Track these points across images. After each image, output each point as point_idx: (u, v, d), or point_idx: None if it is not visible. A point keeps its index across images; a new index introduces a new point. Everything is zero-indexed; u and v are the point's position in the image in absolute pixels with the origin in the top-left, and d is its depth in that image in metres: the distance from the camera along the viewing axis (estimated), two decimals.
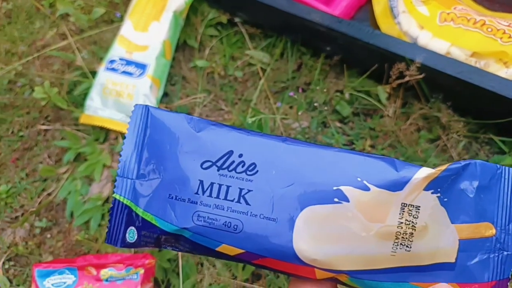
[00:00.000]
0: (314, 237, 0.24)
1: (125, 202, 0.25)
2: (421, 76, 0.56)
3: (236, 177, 0.25)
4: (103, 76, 0.66)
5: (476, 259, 0.24)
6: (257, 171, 0.25)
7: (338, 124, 0.64)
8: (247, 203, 0.24)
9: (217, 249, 0.25)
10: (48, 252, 0.61)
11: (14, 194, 0.65)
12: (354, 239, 0.24)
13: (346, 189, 0.24)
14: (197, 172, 0.25)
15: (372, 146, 0.61)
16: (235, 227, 0.24)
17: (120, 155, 0.25)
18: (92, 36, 0.74)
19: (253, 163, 0.25)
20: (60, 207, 0.64)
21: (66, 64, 0.73)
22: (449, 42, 0.57)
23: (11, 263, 0.61)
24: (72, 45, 0.73)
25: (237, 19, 0.71)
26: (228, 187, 0.25)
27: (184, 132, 0.25)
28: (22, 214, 0.64)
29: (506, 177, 0.24)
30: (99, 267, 0.53)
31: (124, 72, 0.65)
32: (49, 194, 0.64)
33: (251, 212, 0.24)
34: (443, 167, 0.24)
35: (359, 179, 0.24)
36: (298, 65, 0.68)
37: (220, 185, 0.25)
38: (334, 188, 0.24)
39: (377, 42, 0.58)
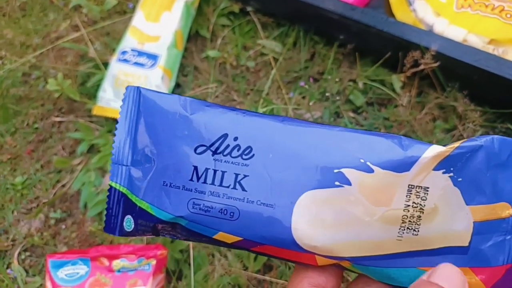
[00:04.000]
0: (314, 223, 0.23)
1: (121, 189, 0.24)
2: (436, 64, 0.54)
3: (232, 162, 0.23)
4: (115, 67, 0.66)
5: (491, 242, 0.22)
6: (253, 154, 0.23)
7: (352, 114, 0.62)
8: (243, 189, 0.23)
9: (214, 236, 0.24)
10: (63, 242, 0.62)
11: (29, 185, 0.66)
12: (357, 225, 0.23)
13: (348, 172, 0.23)
14: (191, 158, 0.24)
15: None
16: (232, 214, 0.23)
17: (114, 141, 0.24)
18: (105, 27, 0.74)
19: (249, 147, 0.23)
20: (74, 198, 0.64)
21: (79, 55, 0.73)
22: (466, 29, 0.55)
23: (27, 253, 0.62)
24: (84, 36, 0.73)
25: (249, 8, 0.70)
26: (223, 172, 0.23)
27: (177, 114, 0.24)
28: (37, 205, 0.65)
29: None
30: (111, 258, 0.54)
31: (136, 63, 0.65)
32: (63, 186, 0.65)
33: (247, 199, 0.23)
34: (456, 144, 0.22)
35: (362, 160, 0.23)
36: (311, 55, 0.67)
37: (215, 171, 0.24)
38: (335, 171, 0.23)
39: (392, 30, 0.57)
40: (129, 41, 0.67)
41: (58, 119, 0.69)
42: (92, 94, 0.68)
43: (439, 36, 0.55)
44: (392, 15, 0.63)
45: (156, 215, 0.24)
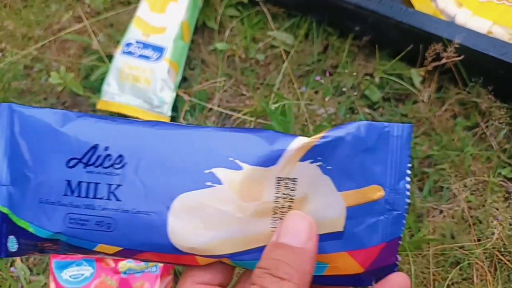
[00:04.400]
0: (189, 226, 0.23)
1: (2, 210, 0.24)
2: (459, 58, 0.52)
3: (104, 173, 0.24)
4: (120, 60, 0.64)
5: (364, 225, 0.23)
6: (126, 163, 0.24)
7: (367, 110, 0.60)
8: (117, 199, 0.24)
9: (94, 249, 0.24)
10: None
11: None
12: (231, 222, 0.23)
13: (218, 171, 0.23)
14: (64, 172, 0.24)
15: None
16: (108, 225, 0.24)
17: None
18: (108, 19, 0.72)
19: (120, 155, 0.24)
20: None
21: (82, 48, 0.71)
22: (491, 21, 0.53)
23: None
24: (88, 28, 0.71)
25: None
26: (96, 184, 0.24)
27: (49, 129, 0.24)
28: None
29: (395, 134, 0.24)
30: (117, 259, 0.52)
31: (141, 56, 0.63)
32: None
33: (122, 208, 0.23)
34: (321, 134, 0.23)
35: (230, 158, 0.23)
36: (324, 47, 0.65)
37: (88, 183, 0.24)
38: (206, 171, 0.23)
39: (411, 21, 0.55)
40: (133, 33, 0.65)
41: None
42: (96, 88, 0.67)
43: (462, 27, 0.52)
44: (411, 5, 0.61)
45: (35, 233, 0.24)
